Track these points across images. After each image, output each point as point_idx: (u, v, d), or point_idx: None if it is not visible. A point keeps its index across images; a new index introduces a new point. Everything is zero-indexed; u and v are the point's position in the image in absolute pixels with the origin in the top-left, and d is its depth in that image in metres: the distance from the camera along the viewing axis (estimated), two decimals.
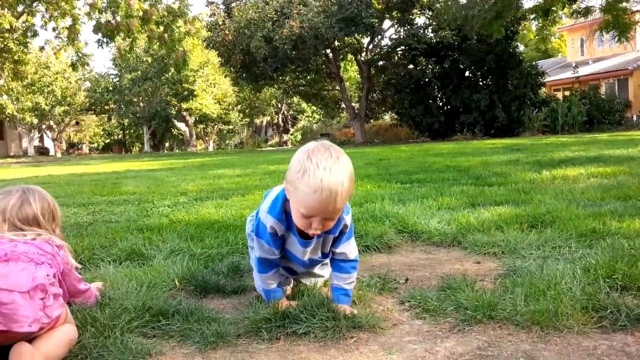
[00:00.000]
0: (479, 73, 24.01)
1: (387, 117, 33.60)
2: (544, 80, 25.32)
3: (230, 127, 42.33)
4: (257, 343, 1.77)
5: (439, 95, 24.99)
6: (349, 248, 2.04)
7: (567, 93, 27.40)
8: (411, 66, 25.12)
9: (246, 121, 43.00)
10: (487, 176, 5.90)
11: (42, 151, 36.23)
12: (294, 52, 22.17)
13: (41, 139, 38.30)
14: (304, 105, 40.32)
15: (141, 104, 35.14)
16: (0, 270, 1.60)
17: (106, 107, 37.76)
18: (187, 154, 25.11)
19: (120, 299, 2.11)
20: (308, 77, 28.63)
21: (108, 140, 46.49)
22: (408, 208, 3.98)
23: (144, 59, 32.91)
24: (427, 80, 23.47)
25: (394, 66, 25.42)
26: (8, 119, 31.63)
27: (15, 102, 30.55)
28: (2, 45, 18.27)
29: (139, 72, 33.41)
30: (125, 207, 5.05)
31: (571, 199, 3.98)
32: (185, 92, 34.31)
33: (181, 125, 37.69)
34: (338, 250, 2.03)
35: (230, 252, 2.89)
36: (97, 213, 4.68)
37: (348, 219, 1.98)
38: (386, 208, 3.95)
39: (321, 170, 1.66)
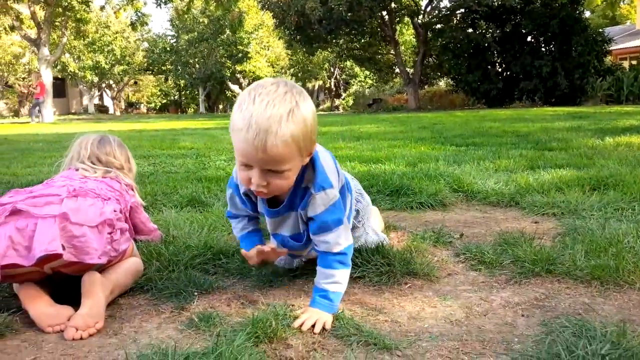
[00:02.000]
0: (541, 38, 22.95)
1: (442, 83, 32.80)
2: (610, 48, 23.95)
3: None
4: (312, 284, 1.81)
5: (498, 61, 24.11)
6: (332, 237, 1.57)
7: (634, 62, 25.90)
8: (470, 30, 24.25)
9: (299, 85, 42.91)
10: (547, 141, 5.72)
11: (101, 109, 37.44)
12: (349, 14, 21.81)
13: (101, 97, 39.53)
14: (357, 69, 39.84)
15: (197, 66, 35.59)
16: (71, 205, 1.68)
17: (163, 68, 38.47)
18: None
19: (183, 238, 2.20)
20: (362, 41, 28.16)
21: (165, 101, 47.49)
22: (463, 169, 3.93)
23: (201, 20, 33.18)
24: (486, 45, 22.66)
25: (452, 30, 24.60)
26: (70, 76, 32.75)
27: (76, 61, 31.59)
28: (66, 4, 18.81)
29: (195, 33, 33.77)
30: (184, 160, 5.21)
31: (635, 164, 3.82)
32: (240, 54, 34.49)
33: (235, 88, 38.03)
34: (315, 237, 1.60)
35: None
36: (158, 164, 4.85)
37: (325, 196, 1.54)
38: (440, 168, 3.92)
39: (256, 105, 1.31)
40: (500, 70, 23.98)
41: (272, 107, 1.31)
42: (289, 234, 1.70)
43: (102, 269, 1.69)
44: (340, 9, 21.13)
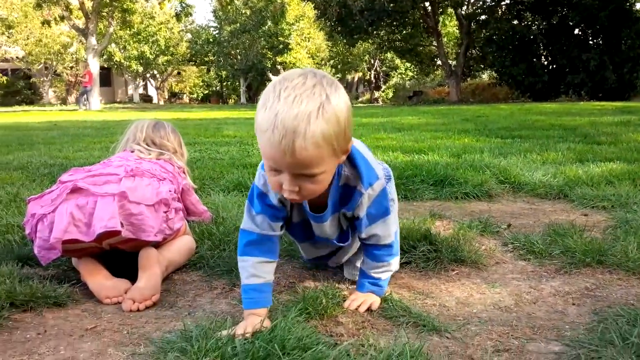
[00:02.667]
0: (589, 31, 22.26)
1: (485, 76, 32.18)
2: None
3: None
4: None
5: (543, 54, 23.52)
6: (382, 230, 1.48)
7: None
8: (515, 22, 23.74)
9: (337, 77, 42.81)
10: (595, 135, 5.58)
11: (145, 99, 38.26)
12: (391, 5, 21.65)
13: (145, 87, 40.37)
14: (397, 61, 39.47)
15: (238, 57, 35.93)
16: (129, 184, 1.75)
17: (206, 59, 38.98)
18: None
19: (233, 220, 2.25)
20: (404, 32, 27.89)
21: (207, 91, 48.14)
22: (509, 161, 3.87)
23: (243, 11, 33.46)
24: (531, 37, 22.15)
25: (496, 21, 24.12)
26: (115, 66, 33.57)
27: (122, 50, 32.34)
28: None
29: (238, 25, 34.07)
30: (228, 147, 5.30)
31: None
32: (281, 46, 34.63)
33: (275, 79, 38.24)
34: (364, 234, 1.49)
35: None
36: (204, 151, 4.96)
37: (372, 192, 1.42)
38: (486, 159, 3.87)
39: (281, 101, 1.14)
40: (545, 63, 23.39)
41: (299, 104, 1.13)
42: (335, 236, 1.56)
43: (157, 246, 1.75)
44: (383, 0, 20.97)
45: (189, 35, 38.57)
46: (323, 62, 39.21)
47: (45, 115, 16.38)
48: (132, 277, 1.64)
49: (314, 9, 26.02)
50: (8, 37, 30.02)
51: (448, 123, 8.35)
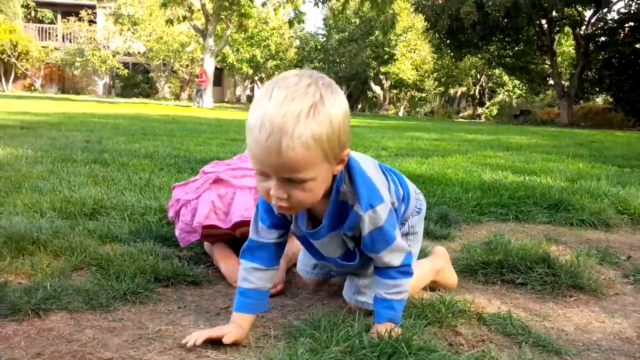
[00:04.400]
0: None
1: (600, 100, 30.35)
2: None
3: (423, 94, 41.85)
4: (474, 283, 1.86)
5: None
6: (388, 255, 1.35)
7: None
8: (638, 45, 22.21)
9: (440, 90, 42.12)
10: None
11: (252, 100, 39.85)
12: (505, 20, 21.02)
13: (252, 89, 41.94)
14: (505, 78, 38.16)
15: (342, 65, 36.41)
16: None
17: (311, 65, 39.86)
18: (380, 116, 25.65)
19: None
20: (516, 48, 26.97)
21: None
22: (629, 191, 3.67)
23: (353, 21, 33.92)
24: None
25: (617, 44, 22.71)
26: (227, 67, 35.20)
27: (235, 53, 33.88)
28: None
29: (346, 33, 34.58)
30: None
31: None
32: (386, 56, 34.69)
33: (376, 89, 38.32)
34: (371, 255, 1.39)
35: (437, 203, 2.99)
36: None
37: (374, 215, 1.29)
38: (603, 187, 3.70)
39: (272, 100, 1.09)
40: None
41: (289, 102, 1.07)
42: (339, 255, 1.46)
43: None
44: (497, 14, 20.43)
45: (298, 42, 39.65)
46: (427, 74, 38.76)
47: (161, 108, 17.57)
48: None
49: (425, 21, 25.85)
50: (133, 33, 32.39)
51: (560, 146, 8.01)
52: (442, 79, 40.02)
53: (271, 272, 1.43)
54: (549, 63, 25.35)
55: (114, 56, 32.54)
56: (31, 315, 1.41)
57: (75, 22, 32.57)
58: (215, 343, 1.29)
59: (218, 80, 35.73)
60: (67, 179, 3.11)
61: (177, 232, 1.84)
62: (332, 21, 34.17)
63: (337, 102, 1.13)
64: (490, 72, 38.22)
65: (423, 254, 2.03)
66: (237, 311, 1.37)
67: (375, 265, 1.41)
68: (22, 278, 1.67)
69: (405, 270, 1.39)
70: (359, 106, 46.86)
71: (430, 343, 1.23)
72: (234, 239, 1.86)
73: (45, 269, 1.71)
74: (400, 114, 41.69)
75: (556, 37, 26.18)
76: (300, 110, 1.07)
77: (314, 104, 1.09)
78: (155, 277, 1.67)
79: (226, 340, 1.29)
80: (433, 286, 1.73)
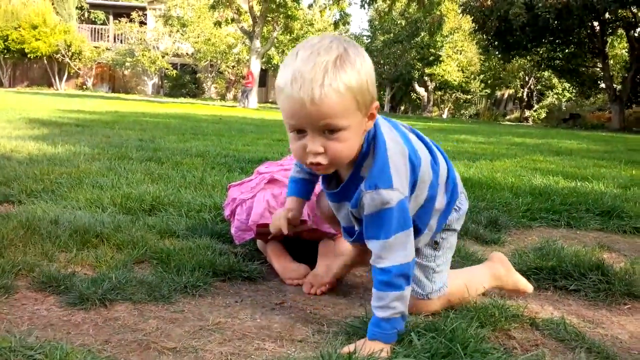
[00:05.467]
0: None
1: None
2: None
3: (469, 96, 41.22)
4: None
5: None
6: (376, 247, 1.27)
7: None
8: None
9: (486, 92, 41.39)
10: None
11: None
12: (555, 22, 20.50)
13: None
14: (554, 80, 37.18)
15: (386, 67, 36.27)
16: None
17: None
18: (423, 118, 25.41)
19: None
20: (566, 51, 26.23)
21: None
22: None
23: (398, 22, 33.76)
24: None
25: None
26: (272, 68, 35.58)
27: (280, 54, 34.20)
28: (280, 0, 20.56)
29: (391, 35, 34.43)
30: None
31: None
32: (431, 57, 34.37)
33: (420, 90, 38.00)
34: (366, 243, 1.33)
35: (487, 207, 2.97)
36: None
37: (377, 197, 1.24)
38: None
39: (299, 59, 1.14)
40: None
41: (315, 56, 1.12)
42: (343, 224, 1.51)
43: (335, 238, 1.92)
44: (548, 16, 19.94)
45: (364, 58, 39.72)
46: (472, 76, 38.17)
47: (208, 108, 17.93)
48: (310, 264, 1.82)
49: (472, 22, 25.47)
50: (182, 34, 33.14)
51: (612, 151, 7.78)
52: (489, 81, 39.32)
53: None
54: (601, 66, 24.56)
55: (163, 57, 33.37)
56: (98, 304, 1.49)
57: (126, 23, 33.56)
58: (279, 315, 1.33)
59: (263, 81, 36.14)
60: (125, 175, 3.24)
61: (232, 230, 1.90)
62: (377, 22, 34.08)
63: (360, 54, 1.17)
64: (539, 75, 37.32)
65: (476, 260, 2.04)
66: (290, 195, 1.55)
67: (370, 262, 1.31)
68: (87, 269, 1.76)
69: (386, 280, 1.25)
70: (402, 108, 46.53)
71: (484, 345, 1.24)
72: (287, 237, 1.90)
73: (109, 261, 1.80)
74: (445, 116, 41.19)
75: (608, 40, 25.34)
76: (327, 61, 1.12)
77: (339, 55, 1.13)
78: (213, 272, 1.73)
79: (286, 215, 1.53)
80: (510, 294, 1.72)
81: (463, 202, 1.59)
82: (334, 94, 1.11)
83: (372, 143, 1.27)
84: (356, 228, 1.44)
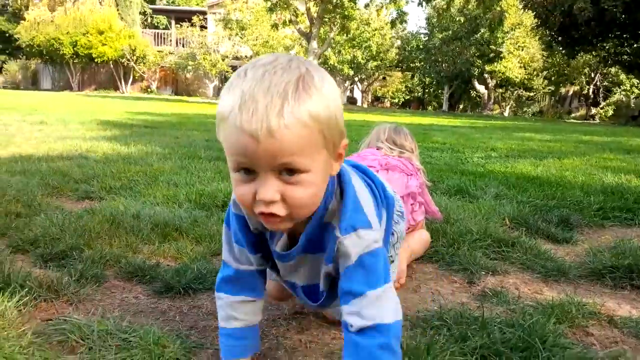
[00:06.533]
0: None
1: None
2: None
3: (531, 94, 39.99)
4: (600, 286, 1.81)
5: None
6: (375, 308, 1.00)
7: None
8: None
9: (550, 89, 40.02)
10: None
11: (351, 101, 40.08)
12: (623, 16, 19.59)
13: (352, 90, 42.28)
14: (622, 76, 35.53)
15: (444, 65, 35.73)
16: (384, 176, 1.96)
17: (412, 65, 39.47)
18: (484, 117, 24.86)
19: (463, 222, 2.36)
20: (635, 45, 25.00)
21: (408, 97, 48.73)
22: None
23: (457, 19, 33.18)
24: None
25: None
26: (329, 68, 35.74)
27: (337, 54, 34.32)
28: (336, 1, 20.63)
29: (450, 32, 33.87)
30: (440, 153, 5.41)
31: None
32: (492, 54, 33.57)
33: (480, 88, 37.17)
34: (344, 306, 1.03)
35: (557, 206, 2.90)
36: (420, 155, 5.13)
37: (359, 241, 1.01)
38: None
39: (247, 79, 0.88)
40: None
41: (271, 76, 0.87)
42: (302, 282, 1.19)
43: None
44: (615, 10, 19.10)
45: (399, 42, 39.40)
46: (535, 72, 37.03)
47: None
48: None
49: (534, 17, 24.72)
50: (240, 37, 33.80)
51: None
52: (553, 78, 38.02)
53: (261, 302, 1.21)
54: None
55: (223, 60, 34.15)
56: (182, 293, 1.59)
57: (187, 27, 34.55)
58: None
59: None
60: (196, 174, 3.37)
61: None
62: (435, 20, 33.61)
63: (326, 78, 0.93)
64: (605, 71, 35.78)
65: (548, 258, 2.02)
66: (232, 357, 1.16)
67: (347, 329, 1.01)
68: (170, 260, 1.87)
69: (390, 344, 0.98)
70: (461, 106, 45.71)
71: (563, 340, 1.24)
72: None
73: (190, 253, 1.90)
74: (506, 114, 40.11)
75: None
76: (287, 81, 0.86)
77: (301, 76, 0.88)
78: None
79: None
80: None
81: (399, 221, 1.55)
82: (297, 124, 0.86)
83: (336, 183, 1.05)
84: (322, 287, 1.15)
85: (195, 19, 34.70)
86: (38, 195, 2.65)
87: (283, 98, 0.85)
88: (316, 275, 1.13)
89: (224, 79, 36.55)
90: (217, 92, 36.72)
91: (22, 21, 31.71)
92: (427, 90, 47.62)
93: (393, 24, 21.98)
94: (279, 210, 0.91)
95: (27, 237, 1.95)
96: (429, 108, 46.08)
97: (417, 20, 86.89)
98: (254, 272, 1.18)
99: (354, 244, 1.00)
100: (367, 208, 1.05)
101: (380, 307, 0.99)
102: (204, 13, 36.25)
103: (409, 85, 48.00)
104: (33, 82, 34.75)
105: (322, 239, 1.06)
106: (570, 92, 42.46)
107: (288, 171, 0.89)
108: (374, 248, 1.01)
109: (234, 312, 1.17)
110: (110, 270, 1.75)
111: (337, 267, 1.05)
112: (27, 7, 33.07)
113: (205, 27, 35.70)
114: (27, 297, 1.43)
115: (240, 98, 0.86)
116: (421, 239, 2.02)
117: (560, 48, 25.73)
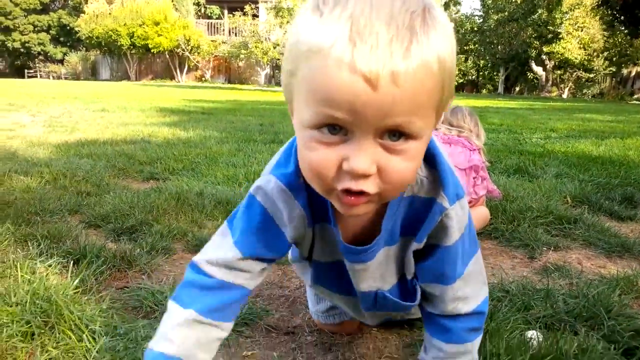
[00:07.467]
0: None
1: None
2: None
3: (591, 75, 38.34)
4: None
5: None
6: (463, 290, 0.89)
7: None
8: None
9: (611, 70, 38.25)
10: None
11: None
12: None
13: None
14: None
15: (500, 46, 34.74)
16: (445, 149, 1.96)
17: (465, 48, 38.59)
18: (542, 99, 24.09)
19: (523, 200, 2.34)
20: None
21: (461, 80, 47.70)
22: None
23: (513, 0, 32.18)
24: None
25: None
26: None
27: None
28: None
29: (506, 13, 32.88)
30: (497, 134, 5.30)
31: None
32: (550, 35, 32.38)
33: (538, 70, 35.95)
34: (430, 287, 0.91)
35: (620, 184, 2.82)
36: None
37: (462, 212, 0.84)
38: None
39: (351, 3, 0.61)
40: None
41: (387, 6, 0.61)
42: (388, 286, 0.95)
43: None
44: None
45: (453, 24, 38.58)
46: (596, 53, 35.47)
47: None
48: None
49: None
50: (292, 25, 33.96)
51: None
52: (614, 59, 36.30)
53: (225, 334, 0.89)
54: None
55: (274, 48, 34.40)
56: None
57: (240, 16, 34.96)
58: None
59: None
60: (253, 155, 3.46)
61: None
62: (490, 1, 32.68)
63: (444, 13, 0.68)
64: None
65: (612, 234, 1.98)
66: None
67: (431, 312, 0.93)
68: None
69: (478, 325, 0.91)
70: (517, 89, 44.34)
71: (628, 311, 1.22)
72: None
73: None
74: (565, 96, 38.64)
75: None
76: (412, 10, 0.61)
77: (426, 7, 0.63)
78: None
79: None
80: None
81: None
82: (424, 71, 0.61)
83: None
84: (409, 275, 0.93)
85: (247, 8, 35.04)
86: (106, 176, 2.79)
87: (411, 32, 0.60)
88: (398, 268, 0.92)
89: (275, 67, 36.85)
90: (269, 79, 37.08)
91: (81, 14, 32.98)
92: (481, 73, 46.47)
93: (446, 6, 21.59)
94: (370, 187, 0.66)
95: (98, 214, 2.06)
96: (484, 91, 44.97)
97: (471, 2, 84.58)
98: (240, 288, 0.89)
99: (459, 218, 0.83)
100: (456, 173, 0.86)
101: (469, 286, 0.88)
102: (255, 2, 36.52)
103: (463, 69, 46.93)
104: (92, 73, 36.11)
105: (413, 216, 0.83)
106: (633, 73, 40.42)
107: (393, 135, 0.64)
108: (469, 221, 0.86)
109: (186, 330, 0.84)
110: (178, 243, 1.84)
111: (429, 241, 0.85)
112: (86, 1, 34.27)
113: (257, 16, 35.99)
114: (103, 267, 1.53)
115: (349, 24, 0.59)
116: (480, 213, 2.02)
117: (623, 27, 24.53)
